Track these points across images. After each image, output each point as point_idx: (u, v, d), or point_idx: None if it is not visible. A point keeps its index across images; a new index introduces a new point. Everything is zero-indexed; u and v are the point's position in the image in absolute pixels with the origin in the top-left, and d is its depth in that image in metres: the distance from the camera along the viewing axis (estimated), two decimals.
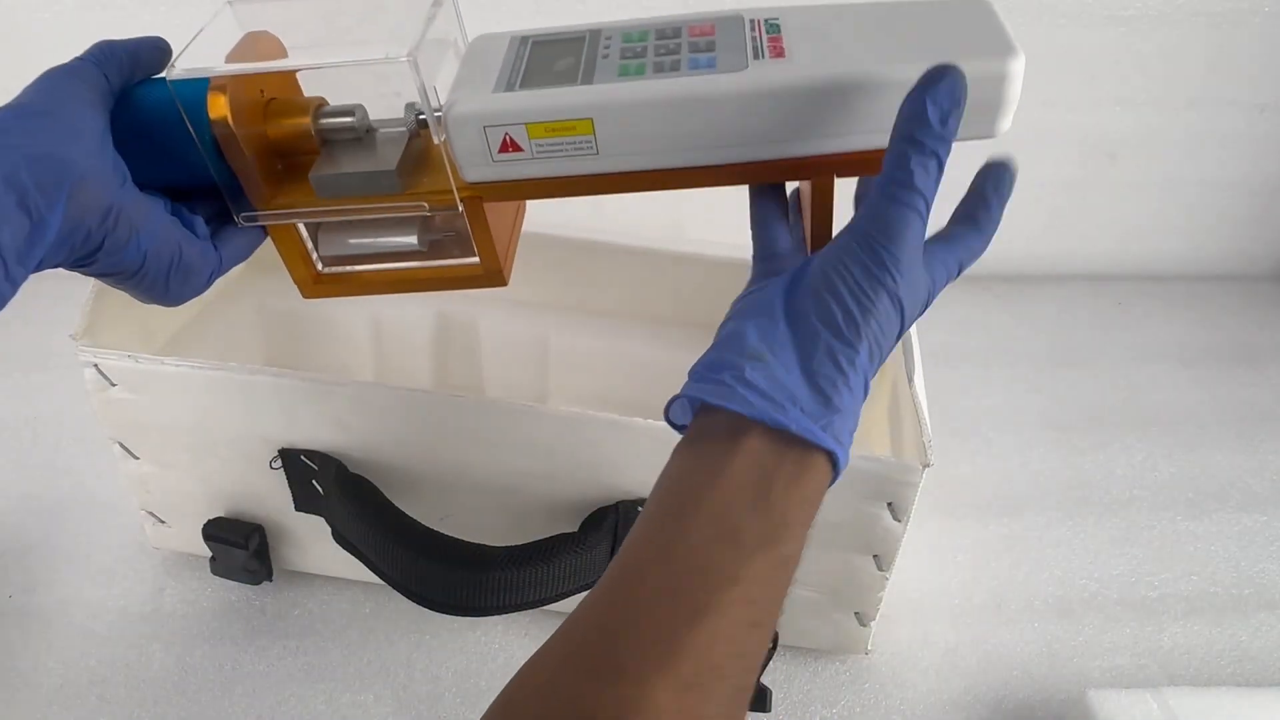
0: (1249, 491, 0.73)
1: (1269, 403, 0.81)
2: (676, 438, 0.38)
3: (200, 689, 0.57)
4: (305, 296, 0.49)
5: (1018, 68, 0.39)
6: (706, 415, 0.36)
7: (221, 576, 0.63)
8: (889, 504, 0.51)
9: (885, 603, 0.56)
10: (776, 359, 0.36)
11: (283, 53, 0.45)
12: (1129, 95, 0.84)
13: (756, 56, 0.40)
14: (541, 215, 0.85)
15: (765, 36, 0.41)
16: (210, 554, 0.61)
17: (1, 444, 0.71)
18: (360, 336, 0.76)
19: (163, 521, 0.62)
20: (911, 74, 0.37)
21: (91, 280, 0.53)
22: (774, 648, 0.55)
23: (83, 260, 0.38)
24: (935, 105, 0.35)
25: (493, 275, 0.49)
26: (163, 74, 0.41)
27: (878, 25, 0.41)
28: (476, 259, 0.47)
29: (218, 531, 0.60)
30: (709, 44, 0.42)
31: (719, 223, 0.77)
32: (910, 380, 0.54)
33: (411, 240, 0.46)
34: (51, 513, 0.67)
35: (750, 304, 0.38)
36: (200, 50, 0.42)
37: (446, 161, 0.42)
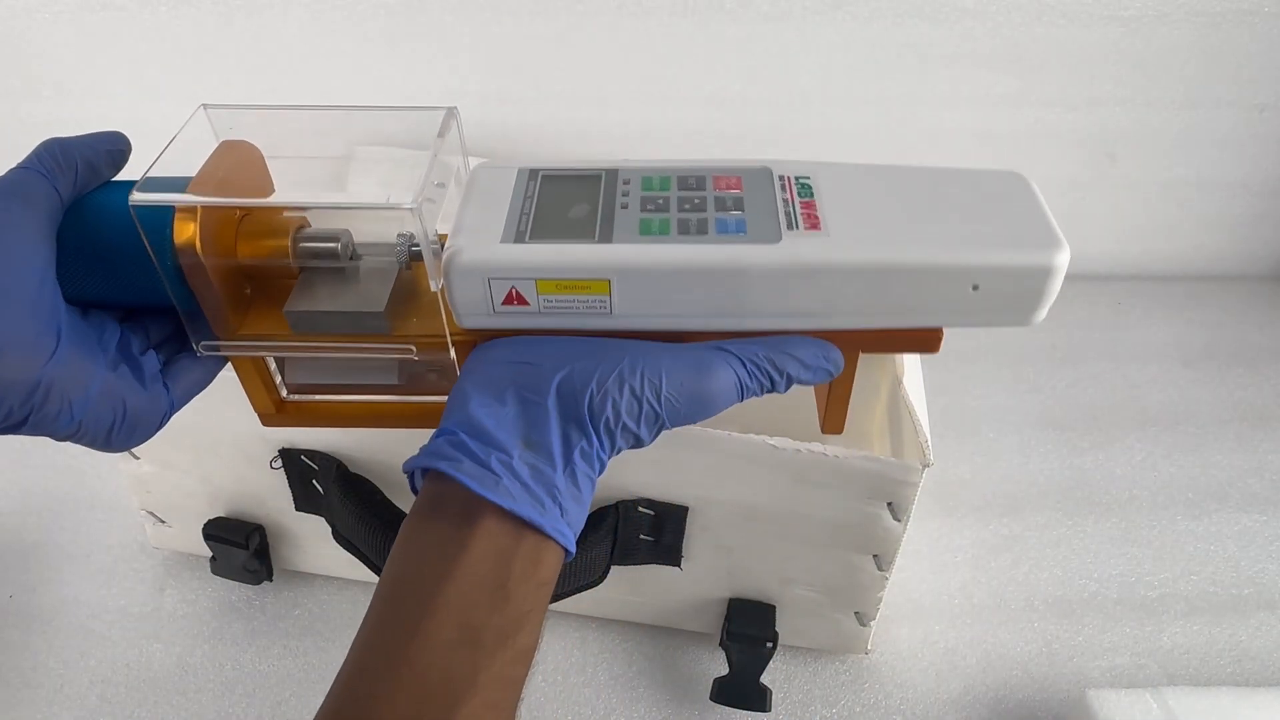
0: (1249, 491, 0.73)
1: (1269, 403, 0.81)
2: (679, 431, 0.37)
3: (200, 689, 0.57)
4: (265, 424, 0.45)
5: (1064, 262, 0.36)
6: (442, 482, 0.34)
7: (221, 576, 0.63)
8: (889, 504, 0.51)
9: (885, 603, 0.56)
10: (543, 450, 0.34)
11: (262, 164, 0.41)
12: (1129, 95, 0.84)
13: (790, 226, 0.37)
14: None
15: (798, 201, 0.38)
16: (210, 554, 0.61)
17: (1, 444, 0.71)
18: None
19: (163, 521, 0.63)
20: (956, 262, 0.36)
21: None
22: (774, 647, 0.55)
23: (2, 431, 0.34)
24: (808, 370, 0.38)
25: None
26: (118, 178, 0.38)
27: (917, 200, 0.39)
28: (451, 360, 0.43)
29: (218, 531, 0.60)
30: (737, 201, 0.38)
31: None
32: (899, 380, 0.54)
33: (390, 375, 0.42)
34: (51, 513, 0.67)
35: (523, 375, 0.36)
36: (171, 159, 0.37)
37: (441, 305, 0.39)
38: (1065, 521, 0.69)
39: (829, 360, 0.39)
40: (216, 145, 0.39)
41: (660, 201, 0.39)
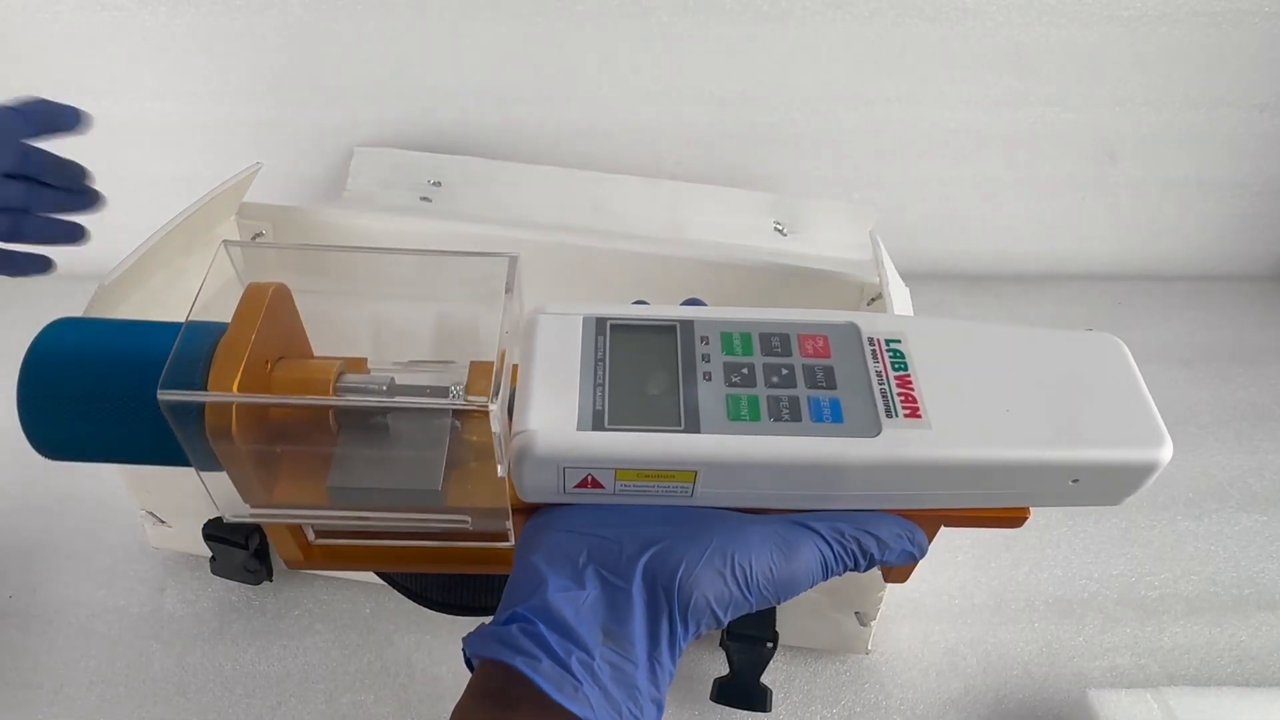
0: (1249, 491, 0.73)
1: (1269, 403, 0.81)
2: None
3: (200, 689, 0.57)
4: (290, 567, 0.42)
5: (1167, 457, 0.35)
6: (512, 676, 0.31)
7: (221, 576, 0.63)
8: None
9: (885, 603, 0.56)
10: (625, 643, 0.31)
11: (292, 304, 0.38)
12: (1129, 95, 0.84)
13: (890, 414, 0.35)
14: (541, 216, 0.85)
15: (892, 376, 0.36)
16: (210, 554, 0.61)
17: (1, 444, 0.71)
18: (359, 335, 0.76)
19: (163, 521, 0.62)
20: (1060, 459, 0.35)
21: (93, 280, 0.53)
22: (774, 647, 0.55)
23: None
24: (891, 553, 0.36)
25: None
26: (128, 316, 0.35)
27: (1012, 376, 0.37)
28: (510, 543, 0.39)
29: (218, 531, 0.60)
30: (827, 373, 0.36)
31: (719, 223, 0.78)
32: None
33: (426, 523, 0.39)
34: (51, 513, 0.67)
35: (602, 552, 0.33)
36: (205, 301, 0.35)
37: (507, 483, 0.35)
38: (1065, 521, 0.69)
39: (914, 544, 0.37)
40: (244, 289, 0.36)
41: (745, 372, 0.36)
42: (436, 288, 0.41)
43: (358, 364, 0.39)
